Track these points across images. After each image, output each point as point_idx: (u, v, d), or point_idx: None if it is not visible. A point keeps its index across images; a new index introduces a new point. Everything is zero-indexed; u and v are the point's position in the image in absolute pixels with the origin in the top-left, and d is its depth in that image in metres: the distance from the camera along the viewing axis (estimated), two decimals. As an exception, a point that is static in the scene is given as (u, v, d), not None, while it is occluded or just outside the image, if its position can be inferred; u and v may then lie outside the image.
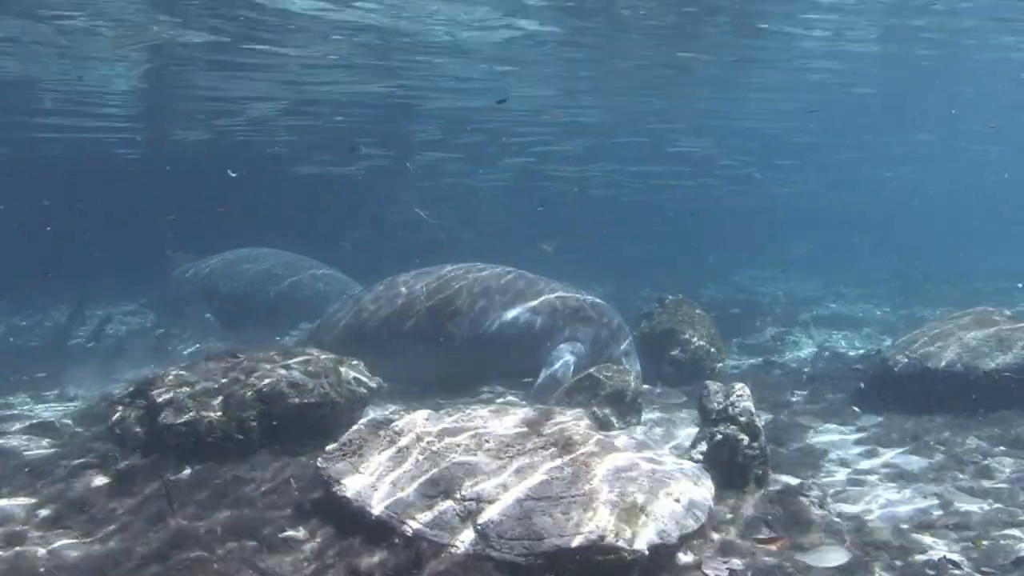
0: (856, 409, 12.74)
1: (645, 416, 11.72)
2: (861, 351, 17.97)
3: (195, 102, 26.20)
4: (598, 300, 14.39)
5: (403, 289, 14.05)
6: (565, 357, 13.17)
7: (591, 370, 11.30)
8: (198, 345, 17.63)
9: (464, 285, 13.79)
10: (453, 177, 37.53)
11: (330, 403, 9.68)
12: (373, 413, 10.77)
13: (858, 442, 11.35)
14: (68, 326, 19.86)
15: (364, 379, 10.37)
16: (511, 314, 13.47)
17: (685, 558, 7.08)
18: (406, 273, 14.53)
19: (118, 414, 9.51)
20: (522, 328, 13.45)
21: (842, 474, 10.10)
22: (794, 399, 13.55)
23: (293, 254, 21.93)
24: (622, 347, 13.90)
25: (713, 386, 9.13)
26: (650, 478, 7.03)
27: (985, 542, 7.88)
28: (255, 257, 21.55)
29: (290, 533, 7.25)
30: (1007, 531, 8.23)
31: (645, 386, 12.65)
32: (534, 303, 13.67)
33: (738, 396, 8.94)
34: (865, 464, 10.47)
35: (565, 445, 7.30)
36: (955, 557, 7.38)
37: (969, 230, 52.17)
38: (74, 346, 18.69)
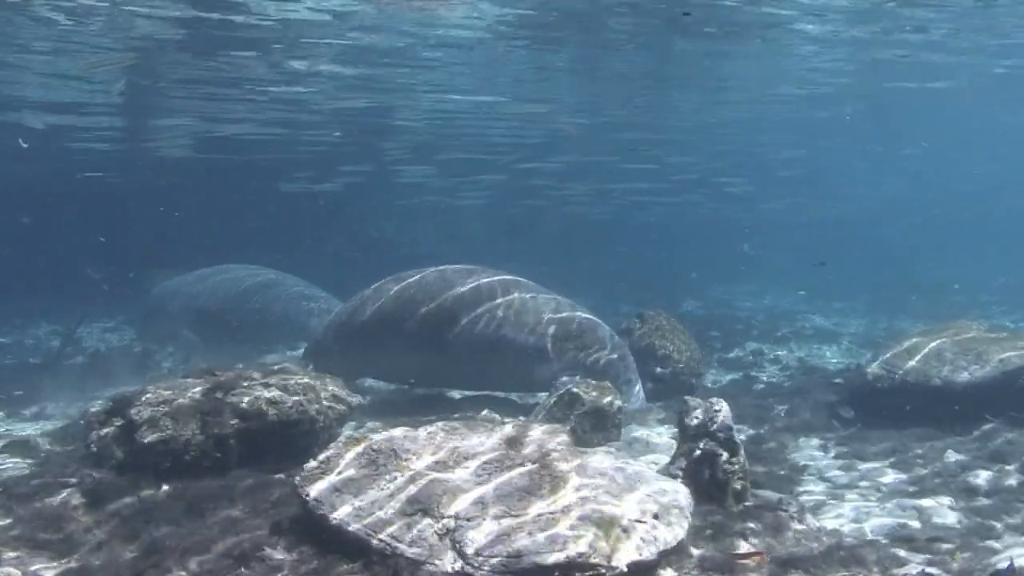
0: (836, 423, 12.78)
1: (625, 432, 11.71)
2: (840, 365, 18.01)
3: (174, 117, 26.20)
4: (603, 325, 14.17)
5: (407, 290, 13.91)
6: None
7: (570, 386, 11.30)
8: (178, 363, 17.56)
9: (469, 290, 13.67)
10: (434, 195, 37.58)
11: (309, 420, 9.66)
12: (353, 430, 10.78)
13: (837, 456, 11.39)
14: (61, 349, 19.70)
15: (343, 396, 10.35)
16: (511, 329, 13.36)
17: (664, 574, 7.08)
18: (411, 272, 14.38)
19: (95, 432, 9.45)
20: (521, 345, 13.33)
21: (821, 488, 10.13)
22: (774, 414, 13.56)
23: (273, 271, 21.85)
24: (623, 375, 13.66)
25: (692, 402, 9.14)
26: (629, 494, 7.03)
27: (963, 555, 7.91)
28: (234, 273, 21.46)
29: (268, 551, 7.21)
30: (985, 543, 8.27)
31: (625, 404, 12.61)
32: (536, 321, 13.51)
33: (717, 411, 8.94)
34: (844, 478, 10.51)
35: (543, 462, 7.29)
36: (933, 571, 7.40)
37: (953, 244, 52.50)
38: (52, 364, 18.56)
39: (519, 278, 14.29)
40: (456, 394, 14.92)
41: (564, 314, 13.79)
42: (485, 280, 13.94)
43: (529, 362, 13.36)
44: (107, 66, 19.23)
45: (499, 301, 13.59)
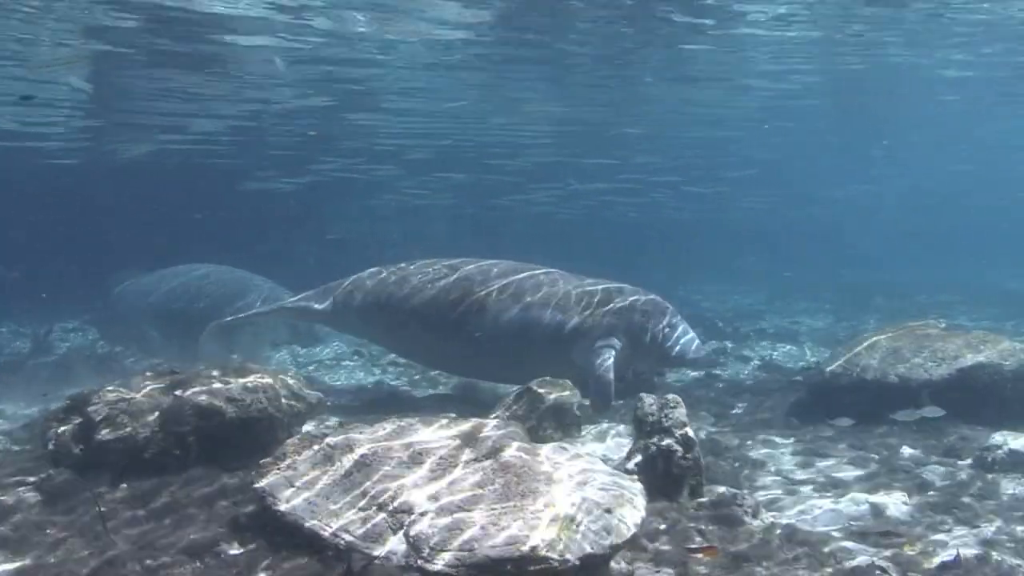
0: (795, 420, 12.90)
1: (586, 429, 11.78)
2: (802, 363, 18.17)
3: (138, 114, 26.09)
4: (623, 286, 14.08)
5: (438, 271, 14.05)
6: (604, 360, 13.06)
7: (531, 384, 11.34)
8: (142, 362, 17.49)
9: (495, 277, 13.75)
10: (397, 195, 37.56)
11: (268, 418, 9.66)
12: (313, 427, 10.80)
13: (795, 452, 11.51)
14: (31, 354, 19.56)
15: (303, 394, 10.37)
16: (537, 313, 13.35)
17: (618, 567, 7.16)
18: (445, 259, 14.50)
19: (53, 431, 9.43)
20: (549, 328, 13.34)
21: (778, 484, 10.23)
22: (734, 411, 13.69)
23: (239, 270, 21.77)
24: (664, 321, 13.61)
25: (648, 398, 9.23)
26: (582, 489, 7.10)
27: (913, 548, 8.04)
28: (198, 272, 21.35)
29: (223, 547, 7.25)
30: (935, 537, 8.40)
31: (587, 401, 12.66)
32: (560, 301, 13.48)
33: (672, 408, 9.05)
34: (801, 474, 10.62)
35: (497, 457, 7.35)
36: (883, 563, 7.51)
37: (918, 244, 53.01)
38: (13, 363, 18.45)
39: (545, 267, 14.36)
40: (419, 393, 15.03)
41: (586, 286, 13.81)
42: (505, 266, 14.11)
43: (563, 336, 13.35)
44: (62, 64, 19.17)
45: (522, 281, 13.71)
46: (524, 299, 13.47)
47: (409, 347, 14.77)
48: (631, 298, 13.75)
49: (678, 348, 13.54)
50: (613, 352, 13.17)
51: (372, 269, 14.83)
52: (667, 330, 13.57)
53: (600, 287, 13.82)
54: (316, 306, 15.20)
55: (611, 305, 13.55)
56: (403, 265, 14.57)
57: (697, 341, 13.81)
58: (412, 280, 14.05)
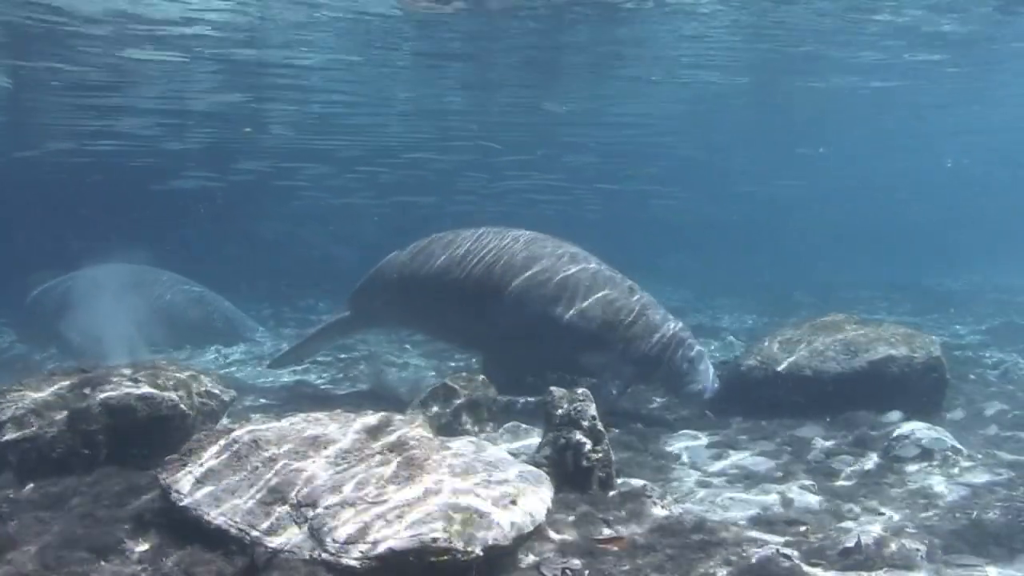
0: (710, 414, 13.03)
1: (502, 424, 11.80)
2: (721, 358, 18.34)
3: (57, 111, 25.74)
4: (650, 309, 13.33)
5: (464, 250, 13.55)
6: (613, 390, 12.68)
7: (446, 379, 11.40)
8: (60, 364, 17.23)
9: (524, 258, 13.25)
10: (325, 194, 37.36)
11: (180, 416, 9.59)
12: (228, 425, 10.72)
13: (710, 445, 11.65)
14: None
15: (217, 391, 10.30)
16: (563, 307, 12.84)
17: (526, 559, 7.21)
18: (472, 230, 13.94)
19: (-45, 431, 9.28)
20: (566, 326, 12.84)
21: (692, 477, 10.34)
22: (652, 406, 13.80)
23: (163, 271, 21.60)
24: (683, 356, 12.90)
25: (557, 391, 9.27)
26: (487, 481, 7.14)
27: (818, 535, 8.19)
28: (119, 273, 21.12)
29: (129, 544, 7.18)
30: (840, 524, 8.58)
31: (503, 397, 12.62)
32: (586, 304, 12.94)
33: (582, 401, 9.11)
34: (715, 467, 10.76)
35: (402, 451, 7.37)
36: (787, 550, 7.63)
37: (838, 241, 53.71)
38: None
39: (580, 251, 13.82)
40: (340, 391, 14.99)
41: (618, 297, 13.16)
42: (546, 250, 13.55)
43: (576, 346, 12.84)
44: None
45: (556, 276, 13.13)
46: (551, 295, 12.94)
47: (434, 328, 14.93)
48: (658, 330, 13.05)
49: (693, 388, 12.84)
50: (624, 386, 12.91)
51: (392, 254, 14.63)
52: (686, 365, 12.88)
53: (628, 305, 13.11)
54: (345, 314, 15.38)
55: (634, 330, 12.92)
56: (423, 243, 14.18)
57: (713, 383, 12.95)
58: (437, 260, 13.69)
